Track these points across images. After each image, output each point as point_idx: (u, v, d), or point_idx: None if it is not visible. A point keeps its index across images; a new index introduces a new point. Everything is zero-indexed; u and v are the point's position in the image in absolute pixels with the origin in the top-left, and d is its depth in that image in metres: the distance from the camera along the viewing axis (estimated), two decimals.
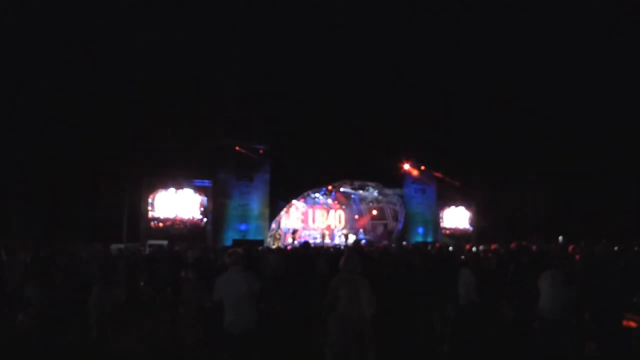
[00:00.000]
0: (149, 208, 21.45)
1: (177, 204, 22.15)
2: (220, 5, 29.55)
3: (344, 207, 29.95)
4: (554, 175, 29.19)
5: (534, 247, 10.64)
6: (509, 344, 7.54)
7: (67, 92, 20.34)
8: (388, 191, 27.66)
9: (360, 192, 28.12)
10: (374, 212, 29.66)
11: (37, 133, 20.55)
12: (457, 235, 29.30)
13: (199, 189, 23.02)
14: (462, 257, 9.56)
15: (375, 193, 28.11)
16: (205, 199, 22.86)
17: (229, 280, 4.81)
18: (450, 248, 13.77)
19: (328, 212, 29.46)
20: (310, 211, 28.75)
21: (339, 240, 27.05)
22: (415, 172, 28.95)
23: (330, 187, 26.27)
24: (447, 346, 7.35)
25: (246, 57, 28.28)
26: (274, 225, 24.65)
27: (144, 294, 9.60)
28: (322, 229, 27.92)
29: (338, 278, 4.89)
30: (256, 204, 23.34)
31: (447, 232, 29.92)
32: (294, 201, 25.83)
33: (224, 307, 4.73)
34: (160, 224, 21.47)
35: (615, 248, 10.49)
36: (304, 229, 27.38)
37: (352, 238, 26.57)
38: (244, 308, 4.71)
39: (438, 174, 29.89)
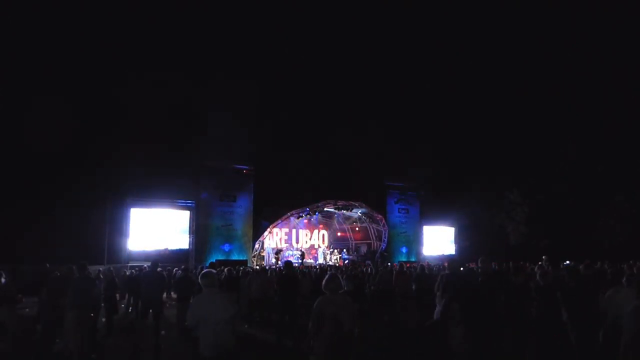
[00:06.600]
0: (131, 229, 21.17)
1: (160, 224, 21.91)
2: (203, 29, 29.89)
3: (327, 227, 29.96)
4: (536, 196, 29.68)
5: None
6: None
7: (50, 110, 20.21)
8: (371, 211, 27.70)
9: (344, 211, 28.13)
10: (358, 232, 29.74)
11: (17, 153, 20.29)
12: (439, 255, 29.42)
13: (182, 209, 22.83)
14: None
15: (359, 213, 28.15)
16: (188, 219, 22.66)
17: (205, 302, 4.77)
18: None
19: (312, 232, 29.41)
20: (293, 231, 28.67)
21: (322, 259, 26.92)
22: (398, 192, 29.27)
23: (314, 207, 26.21)
24: None
25: (231, 79, 28.54)
26: (257, 245, 24.48)
27: (125, 317, 9.44)
28: (306, 249, 27.70)
29: (321, 299, 4.88)
30: (240, 224, 23.19)
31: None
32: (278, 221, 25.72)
33: (200, 330, 4.69)
34: (143, 246, 21.17)
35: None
36: (287, 248, 27.21)
37: (335, 257, 26.50)
38: (221, 330, 4.68)
39: (421, 193, 30.22)
